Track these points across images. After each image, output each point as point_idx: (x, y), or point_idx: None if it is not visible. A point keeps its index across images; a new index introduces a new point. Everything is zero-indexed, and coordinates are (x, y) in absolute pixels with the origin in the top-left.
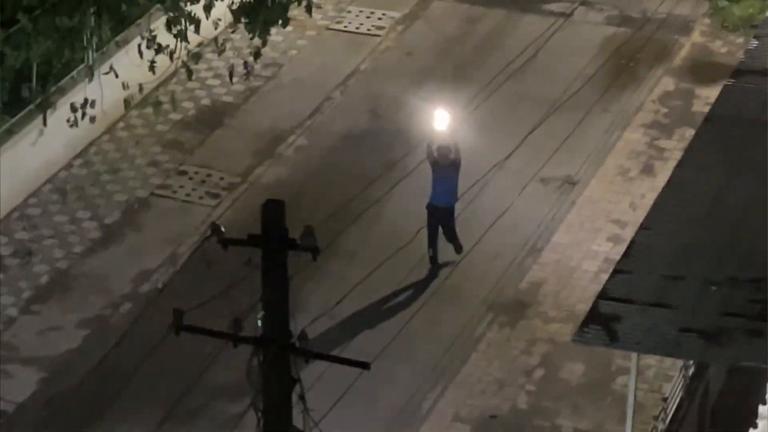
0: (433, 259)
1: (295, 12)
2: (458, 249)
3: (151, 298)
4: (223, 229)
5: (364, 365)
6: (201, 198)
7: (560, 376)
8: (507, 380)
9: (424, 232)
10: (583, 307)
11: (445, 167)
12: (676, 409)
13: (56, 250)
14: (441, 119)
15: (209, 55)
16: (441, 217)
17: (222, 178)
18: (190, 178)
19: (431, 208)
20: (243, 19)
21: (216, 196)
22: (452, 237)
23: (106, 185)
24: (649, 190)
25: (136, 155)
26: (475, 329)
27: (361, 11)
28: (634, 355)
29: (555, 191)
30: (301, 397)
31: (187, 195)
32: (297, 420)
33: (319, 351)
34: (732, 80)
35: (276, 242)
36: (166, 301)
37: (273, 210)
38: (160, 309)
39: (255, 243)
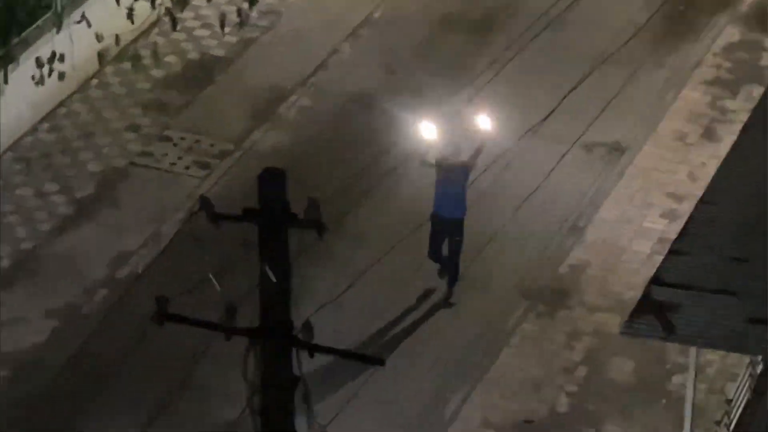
0: (441, 271)
1: None
2: (452, 279)
3: (131, 284)
4: (213, 203)
5: (379, 361)
6: (188, 168)
7: (606, 375)
8: (544, 379)
9: None
10: (634, 295)
11: (449, 170)
12: (742, 412)
13: (20, 228)
14: (427, 131)
15: (197, 2)
16: (448, 230)
17: (212, 145)
18: (175, 145)
19: (435, 219)
20: None
21: (205, 165)
22: (453, 257)
23: (77, 153)
24: (711, 158)
25: (112, 118)
26: (507, 321)
27: None
28: (692, 350)
29: (600, 160)
30: (305, 398)
31: (172, 164)
32: (300, 424)
33: (325, 344)
34: None
35: (275, 217)
36: (148, 287)
37: (272, 180)
38: (140, 296)
39: (251, 218)
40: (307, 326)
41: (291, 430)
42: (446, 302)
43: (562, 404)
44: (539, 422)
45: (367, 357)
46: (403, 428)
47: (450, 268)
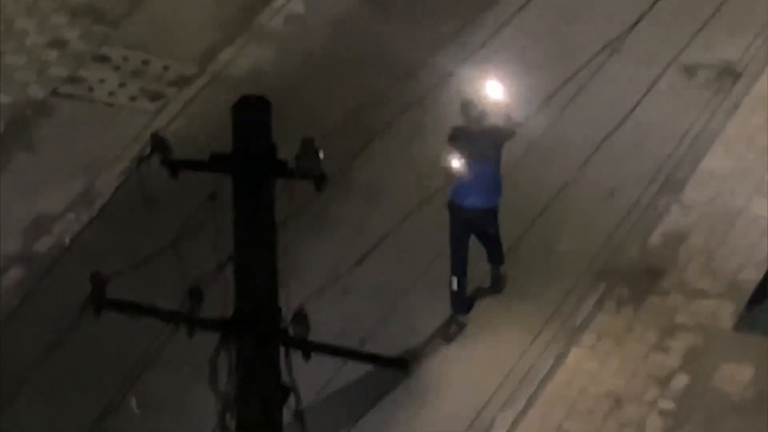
0: (459, 295)
1: None
2: (499, 280)
3: (55, 260)
4: (170, 145)
5: (400, 365)
6: (134, 99)
7: (714, 386)
8: (629, 392)
9: None
10: (751, 276)
11: (474, 139)
12: None
13: None
14: (493, 89)
15: None
16: (475, 224)
17: (167, 68)
18: (117, 68)
19: (455, 209)
20: None
21: (158, 95)
22: (494, 249)
23: None
24: None
25: (28, 30)
26: (577, 310)
27: None
28: None
29: (706, 87)
30: (298, 416)
31: (111, 94)
32: None
33: (326, 341)
34: None
35: (256, 165)
36: (79, 264)
37: (251, 114)
38: (68, 276)
39: (222, 167)
40: (300, 317)
41: None
42: (496, 287)
43: (654, 428)
44: None
45: (383, 359)
46: None
47: (492, 262)
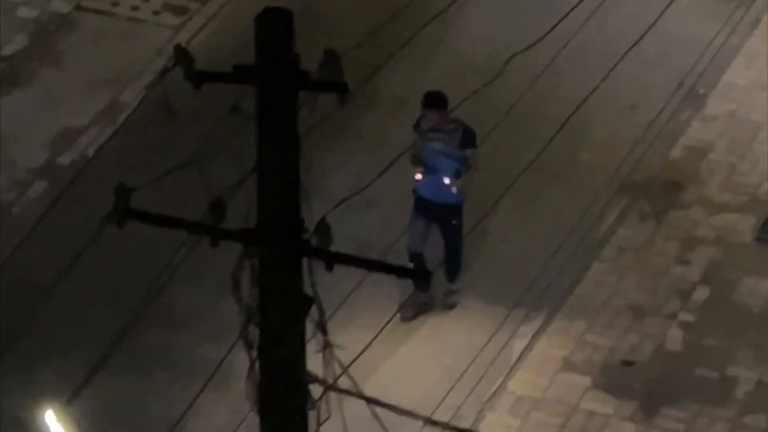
0: (417, 257)
1: None
2: (452, 273)
3: (78, 173)
4: (193, 56)
5: (423, 276)
6: (157, 13)
7: (734, 298)
8: (650, 306)
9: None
10: None
11: (434, 135)
12: None
13: None
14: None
15: None
16: (437, 216)
17: None
18: None
19: (420, 201)
20: None
21: (181, 10)
22: (452, 251)
23: None
24: None
25: None
26: (598, 225)
27: None
28: None
29: (728, 1)
30: (320, 327)
31: (135, 9)
32: (313, 361)
33: (348, 252)
34: None
35: (279, 76)
36: (102, 177)
37: (274, 24)
38: (91, 189)
39: (245, 78)
40: (323, 227)
41: (299, 368)
42: (448, 303)
43: (675, 340)
44: (642, 364)
45: (406, 270)
46: (456, 371)
47: (451, 263)
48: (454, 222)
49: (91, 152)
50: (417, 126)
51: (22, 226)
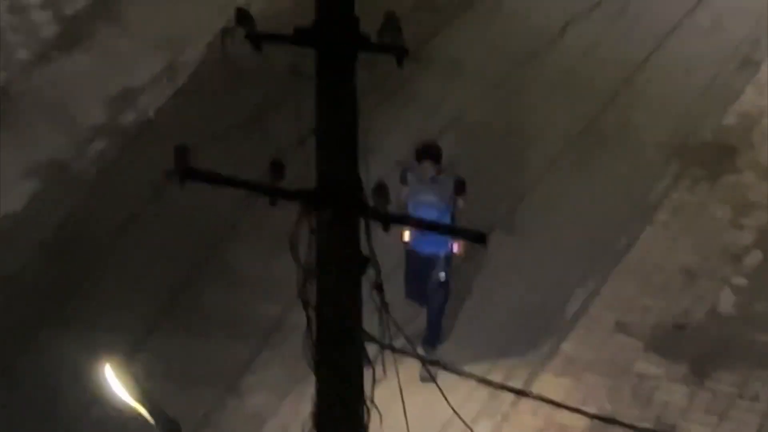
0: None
1: None
2: (431, 339)
3: (138, 133)
4: (254, 18)
5: (478, 238)
6: None
7: None
8: (702, 269)
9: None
10: None
11: (427, 187)
12: None
13: None
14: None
15: None
16: (423, 267)
17: None
18: None
19: (410, 255)
20: None
21: None
22: (433, 311)
23: None
24: None
25: None
26: (651, 189)
27: None
28: None
29: None
30: (378, 288)
31: None
32: (369, 321)
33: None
34: None
35: (339, 38)
36: (163, 137)
37: None
38: (151, 149)
39: (306, 40)
40: (381, 189)
41: (356, 327)
42: (425, 376)
43: (727, 303)
44: (694, 327)
45: (461, 231)
46: (510, 332)
47: (431, 324)
48: (441, 274)
49: (151, 112)
50: (404, 179)
51: (82, 183)
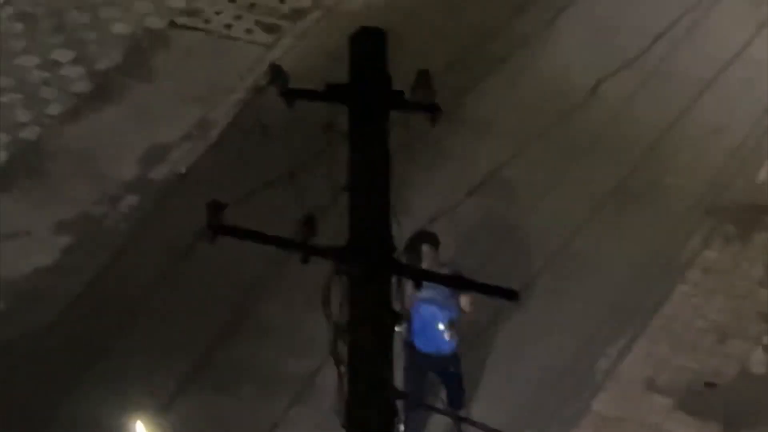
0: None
1: None
2: (458, 407)
3: (170, 188)
4: (288, 74)
5: (510, 295)
6: (249, 32)
7: None
8: (733, 328)
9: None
10: None
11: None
12: None
13: (20, 110)
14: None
15: None
16: (434, 367)
17: (282, 0)
18: (233, 0)
19: (412, 353)
20: None
21: (273, 28)
22: (454, 392)
23: (98, 10)
24: None
25: None
26: (682, 247)
27: None
28: None
29: None
30: (409, 345)
31: (227, 27)
32: (400, 378)
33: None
34: None
35: (372, 95)
36: (194, 193)
37: (368, 44)
38: (183, 205)
39: (339, 97)
40: (414, 246)
41: (387, 384)
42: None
43: (758, 363)
44: (725, 385)
45: (494, 288)
46: (541, 389)
47: (454, 403)
48: (452, 370)
49: (182, 167)
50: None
51: (113, 238)
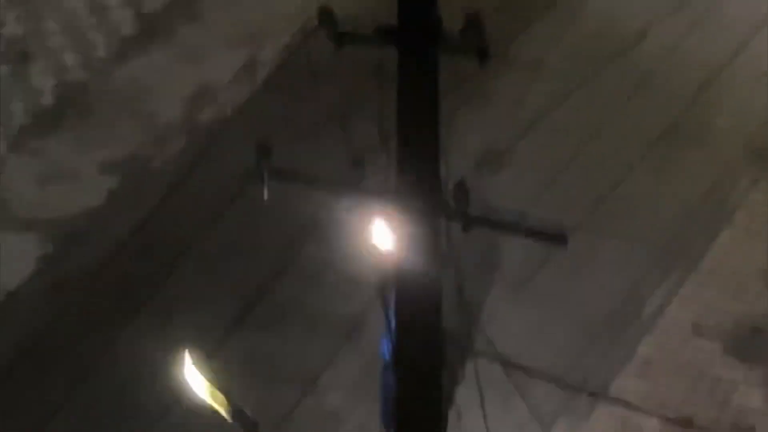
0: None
1: None
2: None
3: (217, 130)
4: (337, 18)
5: (559, 239)
6: None
7: None
8: None
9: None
10: None
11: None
12: None
13: (67, 53)
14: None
15: None
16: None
17: None
18: None
19: (385, 368)
20: None
21: None
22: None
23: None
24: None
25: None
26: (730, 191)
27: None
28: None
29: None
30: (458, 286)
31: None
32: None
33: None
34: None
35: (422, 38)
36: (242, 134)
37: None
38: (230, 146)
39: (388, 39)
40: (462, 188)
41: (436, 326)
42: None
43: None
44: None
45: (542, 232)
46: (588, 334)
47: None
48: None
49: (229, 109)
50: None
51: (161, 180)
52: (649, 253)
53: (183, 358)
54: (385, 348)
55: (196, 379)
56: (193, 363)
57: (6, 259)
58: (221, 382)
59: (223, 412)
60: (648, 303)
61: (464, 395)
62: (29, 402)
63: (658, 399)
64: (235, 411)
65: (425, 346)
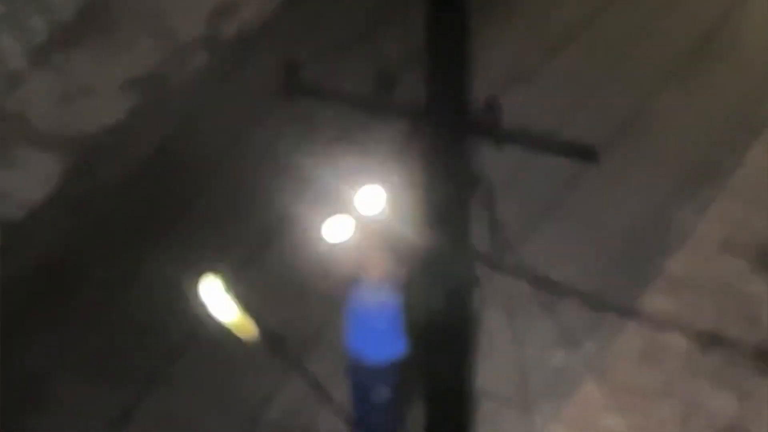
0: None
1: None
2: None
3: (241, 44)
4: None
5: (590, 155)
6: None
7: None
8: None
9: None
10: None
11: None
12: None
13: None
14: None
15: None
16: (375, 380)
17: None
18: None
19: (353, 366)
20: None
21: None
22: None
23: None
24: None
25: None
26: (761, 106)
27: None
28: None
29: None
30: (488, 206)
31: None
32: (481, 242)
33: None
34: None
35: None
36: (268, 49)
37: None
38: (255, 62)
39: None
40: (493, 105)
41: (467, 247)
42: None
43: None
44: None
45: (573, 148)
46: (616, 251)
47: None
48: (383, 393)
49: (256, 21)
50: None
51: (183, 97)
52: (678, 170)
53: (209, 281)
54: (359, 345)
55: (222, 301)
56: (219, 284)
57: (28, 176)
58: (248, 302)
59: (249, 332)
60: (676, 220)
61: (493, 316)
62: (51, 323)
63: (687, 316)
64: (263, 331)
65: (455, 263)
